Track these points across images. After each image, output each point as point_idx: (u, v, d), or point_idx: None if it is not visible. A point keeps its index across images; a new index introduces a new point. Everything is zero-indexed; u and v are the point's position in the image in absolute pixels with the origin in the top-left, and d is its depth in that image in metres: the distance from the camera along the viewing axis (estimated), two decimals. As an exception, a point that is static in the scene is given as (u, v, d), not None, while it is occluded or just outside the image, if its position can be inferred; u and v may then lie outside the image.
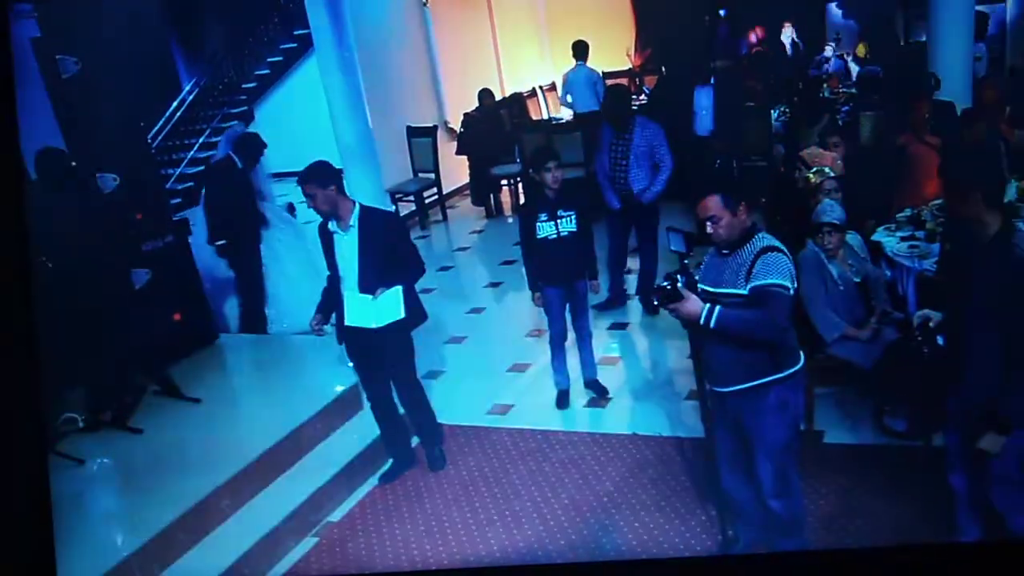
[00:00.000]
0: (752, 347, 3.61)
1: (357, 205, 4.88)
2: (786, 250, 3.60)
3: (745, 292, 3.55)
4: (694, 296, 3.61)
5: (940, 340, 4.00)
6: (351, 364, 5.29)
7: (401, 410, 5.34)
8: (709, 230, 3.61)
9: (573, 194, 5.71)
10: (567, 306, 5.79)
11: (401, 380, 5.20)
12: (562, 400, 5.91)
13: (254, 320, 7.19)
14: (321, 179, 4.78)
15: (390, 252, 4.91)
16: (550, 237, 5.57)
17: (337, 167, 5.35)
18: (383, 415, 5.27)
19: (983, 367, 3.40)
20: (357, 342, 5.05)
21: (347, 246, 4.89)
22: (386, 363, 5.13)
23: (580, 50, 10.36)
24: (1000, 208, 3.48)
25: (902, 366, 4.64)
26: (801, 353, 3.77)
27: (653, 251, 7.05)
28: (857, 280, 4.86)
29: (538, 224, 5.56)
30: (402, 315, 4.93)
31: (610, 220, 7.09)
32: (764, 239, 3.61)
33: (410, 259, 5.02)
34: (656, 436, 5.32)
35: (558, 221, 5.55)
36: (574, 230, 5.58)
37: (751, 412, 3.73)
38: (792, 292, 3.55)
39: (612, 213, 7.02)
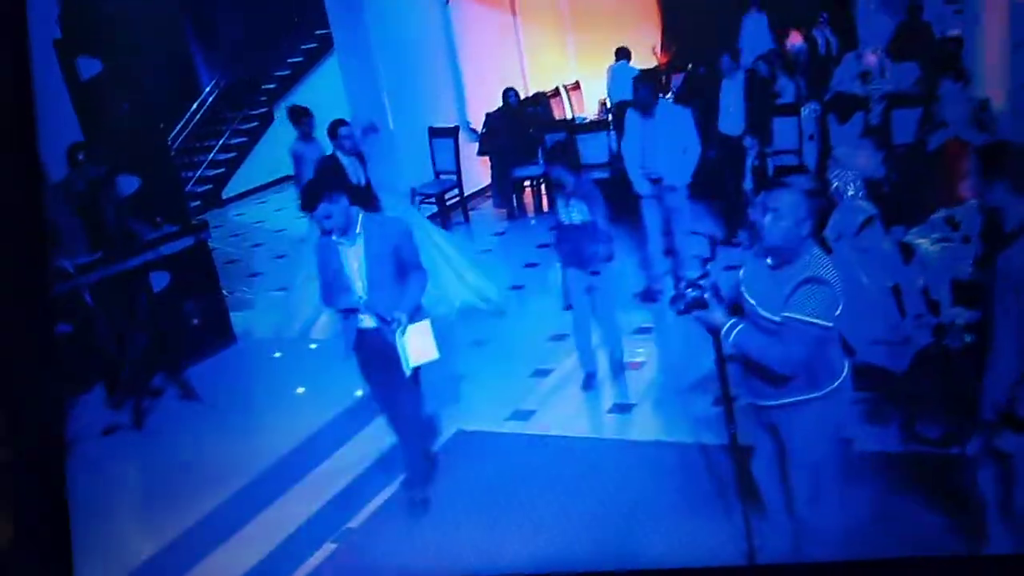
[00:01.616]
0: None
1: (360, 213, 4.76)
2: (833, 279, 3.43)
3: (778, 320, 3.45)
4: (719, 306, 3.59)
5: (968, 338, 3.97)
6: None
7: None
8: (766, 221, 3.47)
9: (585, 185, 6.02)
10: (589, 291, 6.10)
11: (407, 402, 5.03)
12: (588, 382, 6.15)
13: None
14: (335, 194, 4.61)
15: (397, 258, 4.77)
16: (564, 222, 5.96)
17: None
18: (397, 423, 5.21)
19: (1005, 364, 3.36)
20: (368, 353, 4.88)
21: (354, 256, 4.73)
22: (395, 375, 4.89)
23: (623, 52, 11.06)
24: None
25: (935, 371, 4.62)
26: (845, 364, 3.67)
27: (685, 234, 7.25)
28: (890, 284, 4.82)
29: (559, 208, 6.00)
30: (436, 355, 4.81)
31: (643, 208, 7.26)
32: (813, 264, 3.44)
33: (417, 265, 4.87)
34: (681, 443, 5.29)
35: (571, 209, 5.90)
36: (586, 219, 5.86)
37: (788, 425, 3.68)
38: (827, 329, 3.43)
39: (643, 200, 7.19)
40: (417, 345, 4.69)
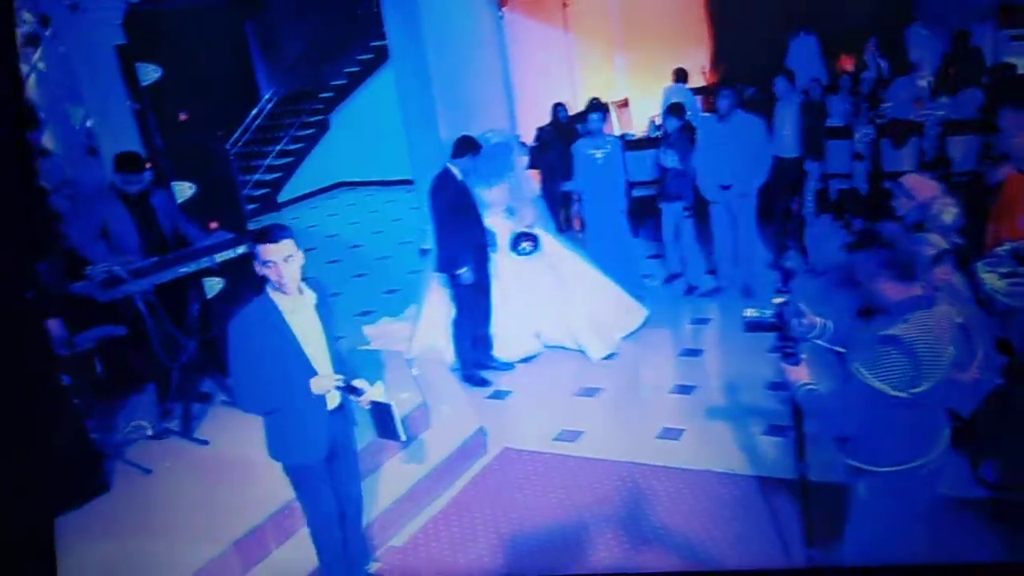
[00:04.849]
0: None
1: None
2: (922, 349, 2.93)
3: (851, 370, 3.07)
4: (804, 367, 3.26)
5: None
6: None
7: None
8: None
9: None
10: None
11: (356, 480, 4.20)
12: (669, 278, 7.97)
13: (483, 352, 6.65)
14: (294, 233, 3.62)
15: (335, 330, 3.87)
16: (660, 165, 7.66)
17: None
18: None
19: None
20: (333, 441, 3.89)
21: (308, 324, 3.69)
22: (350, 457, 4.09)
23: (681, 73, 11.33)
24: None
25: (1005, 413, 4.26)
26: (936, 441, 3.16)
27: (752, 237, 7.44)
28: (959, 321, 4.43)
29: (659, 154, 7.70)
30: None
31: (713, 212, 7.40)
32: (902, 325, 2.96)
33: None
34: (732, 474, 4.96)
35: (666, 156, 7.61)
36: (676, 166, 7.45)
37: (857, 482, 3.30)
38: (899, 399, 2.94)
39: (712, 206, 7.36)
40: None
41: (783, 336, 3.33)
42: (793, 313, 3.36)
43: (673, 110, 7.56)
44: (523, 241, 6.77)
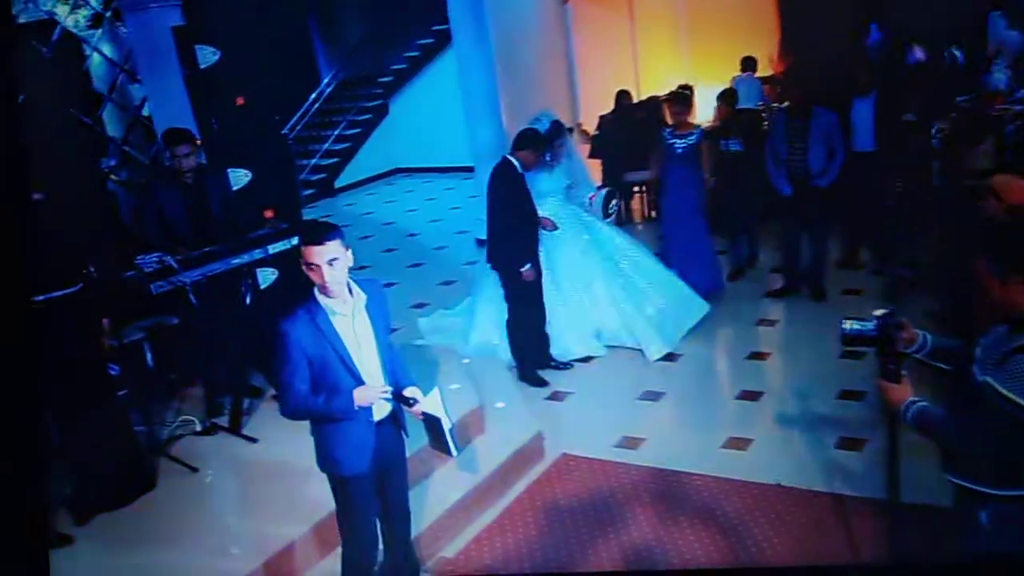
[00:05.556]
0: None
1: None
2: None
3: (979, 381, 2.73)
4: (907, 384, 2.92)
5: None
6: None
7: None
8: None
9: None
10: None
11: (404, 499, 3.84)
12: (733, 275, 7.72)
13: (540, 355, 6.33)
14: (342, 233, 3.30)
15: (387, 325, 3.55)
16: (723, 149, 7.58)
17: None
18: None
19: None
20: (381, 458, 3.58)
21: (359, 330, 3.37)
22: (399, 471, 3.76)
23: (749, 63, 11.09)
24: None
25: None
26: None
27: (824, 236, 7.17)
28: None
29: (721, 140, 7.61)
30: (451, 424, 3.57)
31: (784, 210, 7.19)
32: None
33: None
34: (804, 489, 4.60)
35: (729, 142, 7.67)
36: (739, 150, 7.56)
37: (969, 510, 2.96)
38: None
39: (785, 201, 7.08)
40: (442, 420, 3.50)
41: (885, 351, 2.98)
42: (895, 326, 3.00)
43: (721, 97, 7.82)
44: (612, 198, 6.91)
